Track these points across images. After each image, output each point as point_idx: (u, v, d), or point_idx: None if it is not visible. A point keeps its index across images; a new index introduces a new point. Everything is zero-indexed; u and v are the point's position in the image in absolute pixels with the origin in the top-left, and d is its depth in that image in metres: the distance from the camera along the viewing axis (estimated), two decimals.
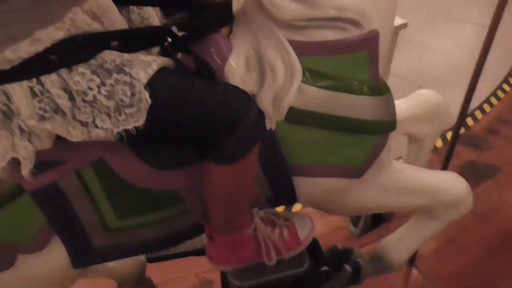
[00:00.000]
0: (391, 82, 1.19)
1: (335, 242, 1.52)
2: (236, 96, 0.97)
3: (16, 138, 0.88)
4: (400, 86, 1.66)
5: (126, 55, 0.89)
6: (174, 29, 0.98)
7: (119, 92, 0.87)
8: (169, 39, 0.96)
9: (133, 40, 0.92)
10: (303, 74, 1.02)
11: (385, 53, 1.13)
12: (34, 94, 0.85)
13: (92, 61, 0.87)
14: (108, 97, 0.86)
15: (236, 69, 1.01)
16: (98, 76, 0.86)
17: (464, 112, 1.87)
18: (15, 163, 0.93)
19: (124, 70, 0.87)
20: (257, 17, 1.03)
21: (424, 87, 1.49)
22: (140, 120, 0.88)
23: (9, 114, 0.87)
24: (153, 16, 0.99)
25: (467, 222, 2.38)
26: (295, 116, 1.03)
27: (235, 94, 0.98)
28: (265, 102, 1.01)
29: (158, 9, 1.05)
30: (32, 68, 0.84)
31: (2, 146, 0.90)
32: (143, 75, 0.88)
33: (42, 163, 0.94)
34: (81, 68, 0.86)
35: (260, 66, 1.03)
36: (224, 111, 0.94)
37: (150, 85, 0.89)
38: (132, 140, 0.93)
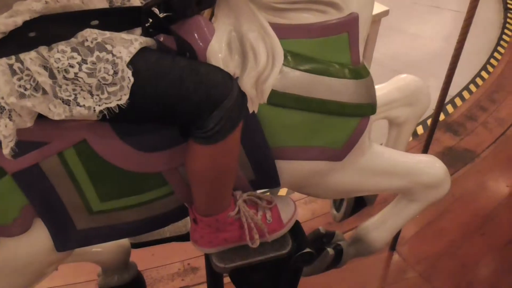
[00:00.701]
0: (372, 68, 1.20)
1: None
2: (218, 76, 0.98)
3: None
4: (381, 72, 1.68)
5: (107, 33, 0.88)
6: (156, 10, 0.98)
7: (101, 70, 0.86)
8: (150, 20, 0.96)
9: (114, 19, 0.91)
10: (285, 57, 1.03)
11: (364, 36, 1.15)
12: (13, 71, 0.85)
13: (73, 39, 0.86)
14: (90, 74, 0.86)
15: (218, 52, 1.01)
16: (79, 53, 0.85)
17: (443, 98, 1.91)
18: None
19: (106, 48, 0.87)
20: (239, 0, 1.03)
21: (404, 73, 1.51)
22: (123, 98, 0.88)
23: None
24: None
25: (446, 206, 2.45)
26: (277, 98, 1.04)
27: (217, 74, 0.98)
28: (247, 84, 1.02)
29: None
30: (10, 45, 0.84)
31: None
32: (125, 53, 0.88)
33: (24, 145, 0.93)
34: (61, 46, 0.85)
35: (242, 49, 1.03)
36: (206, 90, 0.94)
37: (133, 63, 0.89)
38: (115, 120, 0.93)
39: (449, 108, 3.25)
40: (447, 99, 2.02)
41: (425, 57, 3.72)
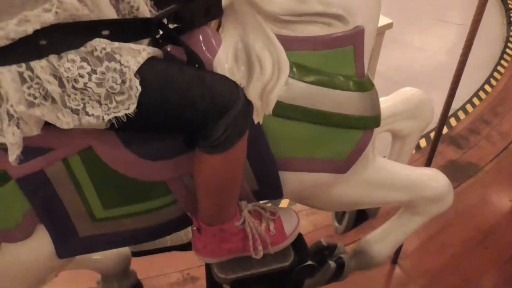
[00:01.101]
0: (375, 80, 1.21)
1: None
2: (224, 84, 0.99)
3: (4, 123, 0.88)
4: (385, 85, 1.68)
5: (116, 44, 0.89)
6: (165, 21, 0.98)
7: (110, 79, 0.87)
8: (160, 31, 0.97)
9: (125, 30, 0.92)
10: (290, 68, 1.03)
11: (369, 49, 1.15)
12: (23, 79, 0.85)
13: (82, 49, 0.86)
14: (99, 84, 0.86)
15: (225, 62, 1.02)
16: (88, 63, 0.86)
17: (446, 112, 1.91)
18: (1, 150, 0.92)
19: (114, 58, 0.88)
20: (245, 11, 1.04)
21: (408, 86, 1.51)
22: (131, 107, 0.89)
23: None
24: (142, 5, 0.99)
25: (448, 220, 2.43)
26: (282, 110, 1.04)
27: (224, 82, 0.99)
28: (252, 95, 1.02)
29: None
30: (21, 52, 0.84)
31: None
32: (133, 63, 0.89)
33: (29, 150, 0.93)
34: (71, 55, 0.86)
35: (248, 60, 1.04)
36: (212, 97, 0.95)
37: (140, 72, 0.90)
38: (123, 128, 0.93)
39: (452, 121, 3.25)
40: (450, 112, 2.02)
41: (429, 69, 3.72)
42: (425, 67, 3.78)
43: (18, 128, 0.88)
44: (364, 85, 1.11)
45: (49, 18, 0.83)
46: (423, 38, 4.21)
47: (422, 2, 4.65)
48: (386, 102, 1.41)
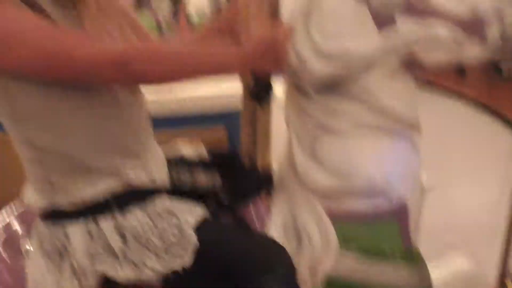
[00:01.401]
0: (420, 240, 1.20)
1: None
2: (272, 243, 1.03)
3: (64, 275, 0.93)
4: (430, 245, 1.64)
5: (175, 202, 0.99)
6: (219, 190, 1.09)
7: (169, 233, 0.94)
8: (215, 203, 1.06)
9: (183, 197, 1.02)
10: (338, 241, 1.06)
11: (415, 218, 1.17)
12: (90, 235, 0.93)
13: (145, 205, 0.96)
14: (160, 238, 0.93)
15: (275, 234, 1.07)
16: (150, 219, 0.95)
17: (502, 276, 1.80)
18: None
19: (175, 214, 0.97)
20: (295, 188, 1.12)
21: (454, 245, 1.47)
22: (187, 260, 0.93)
23: (63, 253, 0.94)
24: (202, 179, 1.10)
25: None
26: (330, 283, 1.04)
27: (271, 241, 1.04)
28: (302, 268, 1.04)
29: None
30: (90, 210, 0.94)
31: (47, 282, 0.94)
32: (191, 219, 0.97)
33: None
34: (135, 211, 0.95)
35: (297, 232, 1.08)
36: (261, 253, 0.98)
37: (197, 228, 0.96)
38: (177, 282, 0.95)
39: (510, 285, 3.02)
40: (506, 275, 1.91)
41: (473, 227, 3.60)
42: (469, 225, 3.66)
43: (78, 281, 0.92)
44: (412, 256, 1.11)
45: (120, 187, 0.95)
46: (465, 195, 4.16)
47: (460, 156, 4.71)
48: (434, 273, 1.36)
